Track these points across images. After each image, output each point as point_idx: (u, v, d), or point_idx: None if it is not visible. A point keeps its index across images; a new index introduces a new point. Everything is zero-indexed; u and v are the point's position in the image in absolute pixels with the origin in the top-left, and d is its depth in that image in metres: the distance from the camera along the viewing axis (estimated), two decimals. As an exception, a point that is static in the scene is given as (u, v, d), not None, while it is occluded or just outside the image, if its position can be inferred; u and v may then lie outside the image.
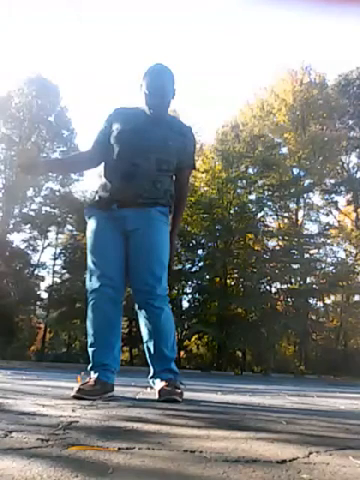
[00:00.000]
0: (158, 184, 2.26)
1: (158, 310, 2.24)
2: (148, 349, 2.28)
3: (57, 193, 20.45)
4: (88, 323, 2.26)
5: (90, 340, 2.25)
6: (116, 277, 2.25)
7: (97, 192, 2.37)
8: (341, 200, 21.14)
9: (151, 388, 2.33)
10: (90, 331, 2.25)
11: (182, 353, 18.44)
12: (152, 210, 2.26)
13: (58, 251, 20.05)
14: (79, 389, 2.04)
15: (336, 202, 20.87)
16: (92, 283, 2.26)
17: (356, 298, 18.21)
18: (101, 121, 2.40)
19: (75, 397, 2.00)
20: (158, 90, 2.26)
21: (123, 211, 2.24)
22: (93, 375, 2.17)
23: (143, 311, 2.26)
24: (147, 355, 2.30)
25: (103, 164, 2.38)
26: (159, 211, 2.28)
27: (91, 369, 2.21)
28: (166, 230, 2.33)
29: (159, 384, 2.17)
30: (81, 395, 2.01)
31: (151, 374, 2.29)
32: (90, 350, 2.24)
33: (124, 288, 2.35)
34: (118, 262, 2.27)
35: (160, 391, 2.11)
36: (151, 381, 2.30)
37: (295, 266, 17.53)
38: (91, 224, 2.34)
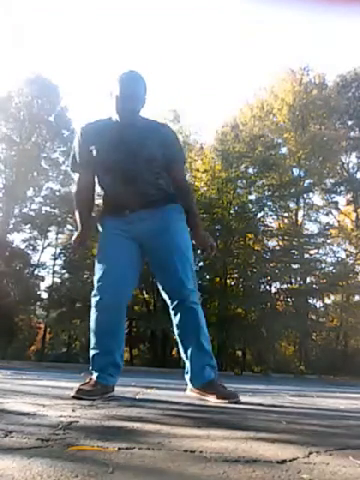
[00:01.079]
0: (160, 181, 2.27)
1: (195, 305, 2.25)
2: (187, 344, 2.26)
3: (57, 193, 20.46)
4: (91, 326, 2.26)
5: (91, 343, 2.25)
6: (121, 284, 2.24)
7: (104, 201, 2.37)
8: (341, 200, 21.19)
9: (193, 390, 2.26)
10: (92, 334, 2.25)
11: (182, 353, 18.39)
12: (165, 209, 2.26)
13: (58, 251, 20.07)
14: (79, 389, 2.05)
15: (336, 202, 20.91)
16: (97, 288, 2.26)
17: (356, 298, 18.23)
18: (74, 143, 2.40)
19: (75, 397, 2.01)
20: (129, 96, 2.24)
21: (136, 215, 2.23)
22: (93, 376, 2.18)
23: (180, 309, 2.25)
24: (184, 351, 2.27)
25: (97, 179, 2.37)
26: (173, 209, 2.28)
27: (92, 370, 2.22)
28: (184, 227, 2.32)
29: (211, 396, 2.13)
30: (80, 395, 2.01)
31: (190, 373, 2.24)
32: (91, 352, 2.25)
33: (128, 295, 2.35)
34: (125, 269, 2.26)
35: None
36: (189, 380, 2.26)
37: (295, 266, 17.54)
38: (102, 231, 2.35)
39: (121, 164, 2.22)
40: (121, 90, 2.25)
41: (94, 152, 2.27)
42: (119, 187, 2.25)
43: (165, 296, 2.32)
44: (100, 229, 2.39)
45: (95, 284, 2.27)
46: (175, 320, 2.29)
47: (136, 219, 2.24)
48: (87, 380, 2.16)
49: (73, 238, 2.48)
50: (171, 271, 2.24)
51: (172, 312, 2.30)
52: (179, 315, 2.27)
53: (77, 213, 2.44)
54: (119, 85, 2.26)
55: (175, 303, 2.27)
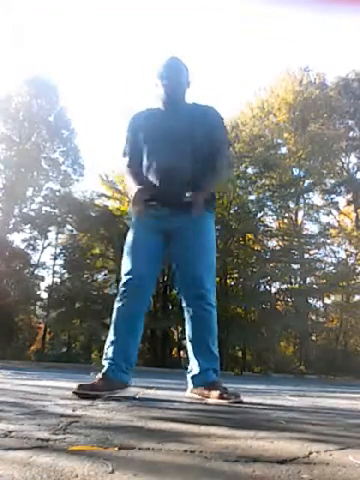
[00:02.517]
0: (199, 177, 2.29)
1: (211, 307, 2.27)
2: (195, 344, 2.27)
3: (57, 193, 20.44)
4: (113, 315, 2.28)
5: (110, 331, 2.26)
6: (146, 276, 2.27)
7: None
8: (341, 200, 21.18)
9: (193, 390, 2.26)
10: (112, 323, 2.26)
11: (182, 353, 18.45)
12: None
13: (58, 251, 20.06)
14: (80, 385, 2.05)
15: (336, 202, 20.90)
16: (123, 279, 2.29)
17: (356, 298, 18.22)
18: (124, 132, 2.45)
19: (75, 393, 2.01)
20: (173, 84, 2.30)
21: (170, 211, 2.25)
22: (102, 371, 2.17)
23: (194, 306, 2.26)
24: (191, 351, 2.28)
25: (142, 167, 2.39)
26: (207, 209, 2.31)
27: (104, 359, 2.22)
28: (214, 234, 2.39)
29: (213, 395, 2.13)
30: (81, 391, 2.01)
31: (195, 371, 2.25)
32: (107, 341, 2.25)
33: (152, 287, 2.39)
34: (151, 262, 2.29)
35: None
36: (191, 379, 2.27)
37: (295, 266, 17.53)
38: (133, 224, 2.36)
39: (167, 154, 2.25)
40: (164, 79, 2.30)
41: (142, 141, 2.32)
42: (161, 177, 2.26)
43: (181, 293, 2.33)
44: (131, 222, 2.39)
45: (122, 275, 2.29)
46: (188, 318, 2.30)
47: (169, 214, 2.25)
48: (94, 379, 2.15)
49: (134, 199, 2.24)
50: (193, 267, 2.26)
51: (187, 309, 2.30)
52: (194, 314, 2.27)
53: (132, 182, 2.35)
54: (162, 74, 2.31)
55: (191, 300, 2.27)
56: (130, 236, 2.34)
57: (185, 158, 2.26)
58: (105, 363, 2.19)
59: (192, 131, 2.30)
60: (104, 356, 2.22)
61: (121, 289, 2.29)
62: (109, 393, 2.05)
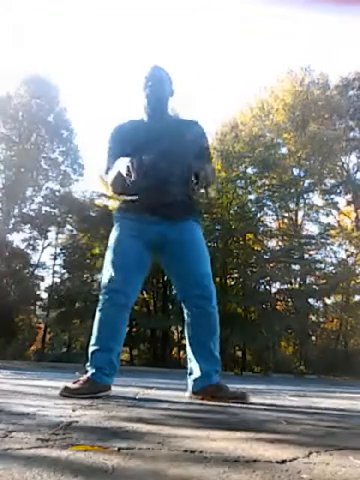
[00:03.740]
0: (187, 186, 2.27)
1: (214, 309, 2.26)
2: (197, 346, 2.26)
3: (57, 193, 20.46)
4: (94, 323, 2.26)
5: (92, 339, 2.25)
6: (129, 284, 2.25)
7: (126, 199, 2.35)
8: (341, 201, 21.18)
9: (196, 393, 2.23)
10: (94, 331, 2.25)
11: (182, 353, 18.45)
12: (188, 222, 2.31)
13: (58, 251, 20.08)
14: (65, 387, 2.07)
15: (336, 203, 20.89)
16: (106, 287, 2.26)
17: (356, 298, 18.22)
18: (107, 145, 2.40)
19: (62, 395, 2.02)
20: (156, 96, 2.33)
21: (157, 221, 2.24)
22: (88, 374, 2.18)
23: (197, 306, 2.25)
24: (192, 353, 2.27)
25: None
26: (194, 222, 2.34)
27: (88, 366, 2.22)
28: (203, 240, 2.38)
29: (215, 396, 2.12)
30: (66, 393, 2.03)
31: (196, 374, 2.22)
32: (90, 349, 2.25)
33: (135, 296, 2.36)
34: (135, 270, 2.27)
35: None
36: (193, 382, 2.24)
37: (295, 266, 17.54)
38: (117, 228, 2.33)
39: (155, 163, 2.22)
40: (147, 89, 2.32)
41: (128, 151, 2.26)
42: (149, 187, 2.22)
43: (183, 295, 2.30)
44: (116, 224, 2.36)
45: (104, 282, 2.27)
46: (190, 319, 2.28)
47: (156, 225, 2.24)
48: (78, 379, 2.16)
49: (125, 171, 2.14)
50: (196, 268, 2.25)
51: (188, 311, 2.28)
52: (196, 316, 2.25)
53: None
54: (145, 85, 2.33)
55: (195, 301, 2.25)
56: (115, 242, 2.29)
57: (174, 168, 2.24)
58: (89, 369, 2.18)
59: (176, 139, 2.30)
60: (88, 363, 2.21)
61: (101, 297, 2.27)
62: (93, 395, 2.05)
